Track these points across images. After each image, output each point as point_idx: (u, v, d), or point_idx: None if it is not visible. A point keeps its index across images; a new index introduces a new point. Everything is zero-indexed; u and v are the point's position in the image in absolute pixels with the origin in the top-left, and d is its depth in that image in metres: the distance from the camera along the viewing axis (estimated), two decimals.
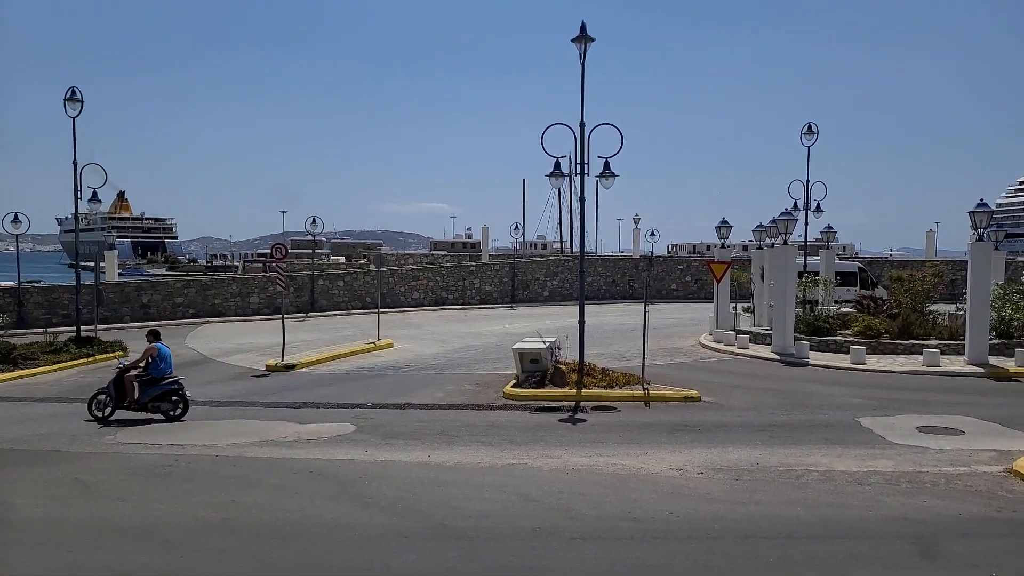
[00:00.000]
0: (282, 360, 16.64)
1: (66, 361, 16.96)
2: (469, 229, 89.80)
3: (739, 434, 10.22)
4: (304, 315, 28.34)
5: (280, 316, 17.94)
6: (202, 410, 12.14)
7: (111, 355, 17.96)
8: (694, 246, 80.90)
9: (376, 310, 21.56)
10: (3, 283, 31.09)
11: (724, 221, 22.92)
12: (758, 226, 23.53)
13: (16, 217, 23.42)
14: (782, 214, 18.65)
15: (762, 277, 21.86)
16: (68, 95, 18.54)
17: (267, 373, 16.04)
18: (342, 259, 58.53)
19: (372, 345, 19.23)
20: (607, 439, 9.98)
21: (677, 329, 23.21)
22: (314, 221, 31.39)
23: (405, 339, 21.05)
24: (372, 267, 29.34)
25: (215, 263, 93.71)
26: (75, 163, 18.66)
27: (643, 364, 13.73)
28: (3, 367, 15.93)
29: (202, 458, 9.10)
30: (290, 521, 6.80)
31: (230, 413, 11.91)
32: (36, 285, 28.33)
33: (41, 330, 21.78)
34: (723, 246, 23.38)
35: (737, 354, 18.09)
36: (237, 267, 74.28)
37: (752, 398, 12.85)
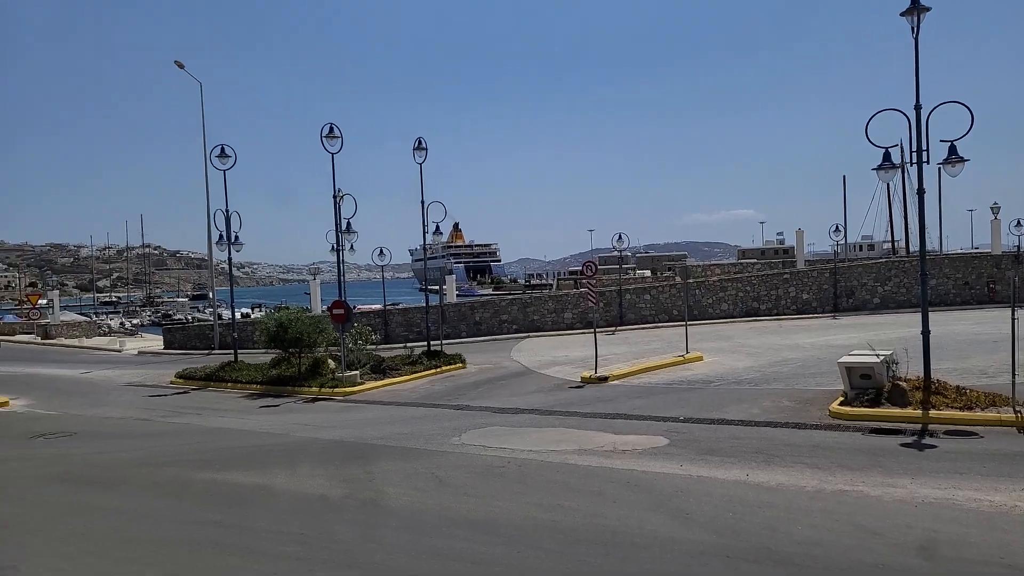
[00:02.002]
0: (595, 372, 17.42)
1: (421, 372, 19.96)
2: (781, 234, 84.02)
3: None
4: (613, 329, 29.31)
5: (591, 330, 18.83)
6: (527, 417, 13.30)
7: (453, 367, 20.67)
8: None
9: (683, 322, 21.37)
10: (373, 306, 37.84)
11: None
12: None
13: (381, 251, 28.40)
14: None
15: None
16: (416, 144, 21.97)
17: (582, 385, 16.93)
18: (647, 272, 59.21)
19: (681, 358, 19.09)
20: (967, 469, 8.49)
21: None
22: (620, 237, 32.36)
23: (715, 352, 20.49)
24: (678, 279, 29.18)
25: (532, 282, 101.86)
26: (422, 202, 22.02)
27: (1013, 382, 11.39)
28: (375, 376, 19.35)
29: (530, 462, 9.96)
30: (610, 529, 7.09)
31: (551, 422, 12.82)
32: (396, 307, 33.95)
33: (401, 345, 25.97)
34: None
35: None
36: (551, 285, 79.73)
37: None
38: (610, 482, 8.76)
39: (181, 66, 33.33)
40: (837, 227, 35.14)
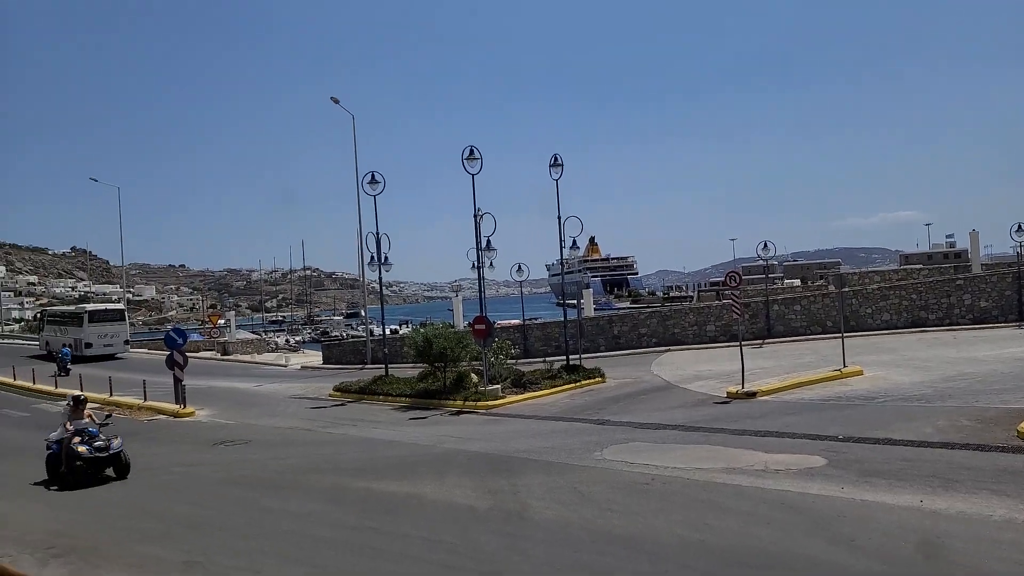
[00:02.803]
0: (742, 387, 16.66)
1: (560, 386, 20.07)
2: (951, 236, 76.49)
3: None
4: (760, 342, 27.90)
5: (736, 343, 18.05)
6: (670, 433, 12.97)
7: (593, 381, 20.59)
8: None
9: (839, 334, 19.94)
10: (512, 321, 38.58)
11: None
12: None
13: (520, 267, 29.01)
14: None
15: None
16: (552, 161, 22.30)
17: (728, 400, 16.25)
18: (797, 282, 55.93)
19: (838, 372, 17.81)
20: None
21: None
22: (765, 245, 30.86)
23: (876, 366, 18.91)
24: (831, 288, 27.30)
25: (671, 294, 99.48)
26: (559, 217, 22.27)
27: None
28: (516, 390, 19.69)
29: (675, 479, 9.70)
30: (764, 551, 6.73)
31: (695, 438, 12.41)
32: (535, 322, 34.43)
33: (540, 359, 26.26)
34: None
35: None
36: (692, 297, 77.44)
37: None
38: (762, 502, 8.32)
39: (336, 101, 36.05)
40: (1020, 226, 31.35)
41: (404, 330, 56.42)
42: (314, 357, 42.48)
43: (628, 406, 16.63)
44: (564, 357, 22.77)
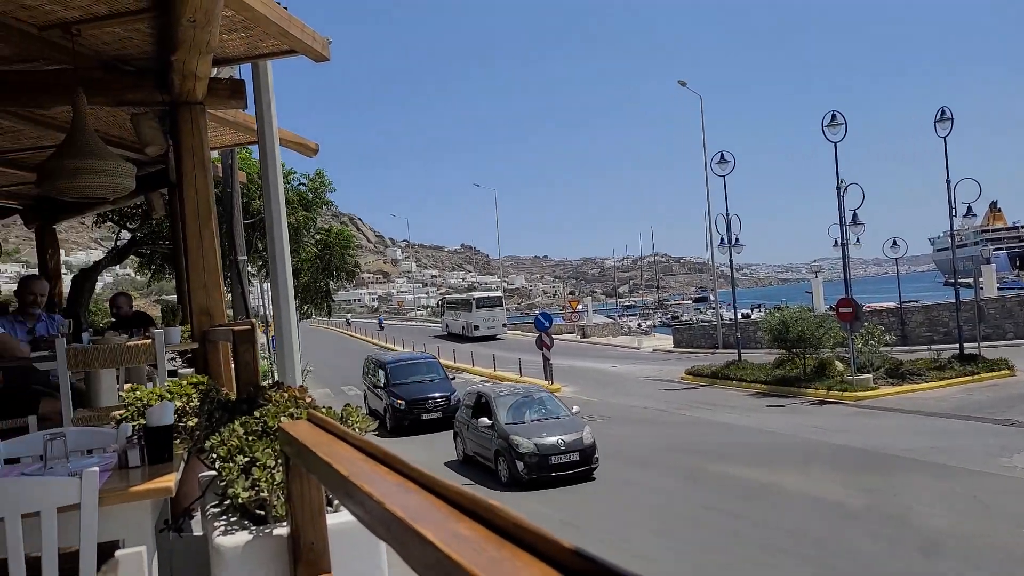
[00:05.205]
0: None
1: (951, 378, 17.18)
2: None
3: None
4: None
5: None
6: None
7: (996, 374, 17.20)
8: None
9: None
10: (886, 304, 34.15)
11: None
12: None
13: (895, 242, 25.47)
14: None
15: None
16: (938, 115, 19.10)
17: None
18: None
19: None
20: None
21: None
22: None
23: None
24: None
25: None
26: (948, 181, 18.97)
27: None
28: (892, 381, 17.43)
29: None
30: None
31: None
32: (915, 304, 29.90)
33: (924, 347, 22.73)
34: None
35: None
36: None
37: None
38: None
39: (683, 84, 36.06)
40: None
41: (756, 314, 53.93)
42: (665, 340, 43.27)
43: None
44: (956, 345, 19.37)
